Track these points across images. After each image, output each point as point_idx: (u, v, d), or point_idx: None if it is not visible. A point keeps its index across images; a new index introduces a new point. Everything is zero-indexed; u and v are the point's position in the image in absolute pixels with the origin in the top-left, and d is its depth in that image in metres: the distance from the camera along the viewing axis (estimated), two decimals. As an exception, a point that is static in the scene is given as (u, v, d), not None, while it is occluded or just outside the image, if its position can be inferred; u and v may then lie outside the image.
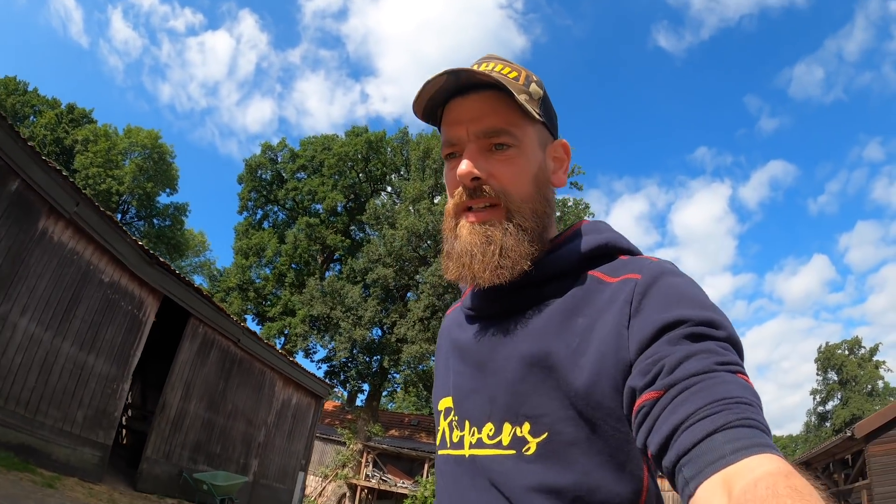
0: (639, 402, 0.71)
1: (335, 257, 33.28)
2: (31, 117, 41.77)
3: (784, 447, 61.00)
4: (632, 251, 0.95)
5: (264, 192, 34.14)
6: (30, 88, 43.18)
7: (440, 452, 0.98)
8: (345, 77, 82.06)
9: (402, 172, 32.93)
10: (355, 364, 27.66)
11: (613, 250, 0.94)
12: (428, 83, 0.91)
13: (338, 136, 35.85)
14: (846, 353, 47.96)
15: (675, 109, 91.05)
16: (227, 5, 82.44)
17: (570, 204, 29.32)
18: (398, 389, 37.89)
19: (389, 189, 34.12)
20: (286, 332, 29.07)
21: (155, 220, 41.35)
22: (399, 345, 26.41)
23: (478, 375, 0.93)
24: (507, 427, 0.85)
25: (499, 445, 0.86)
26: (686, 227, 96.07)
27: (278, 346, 22.08)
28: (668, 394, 0.67)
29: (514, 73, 0.96)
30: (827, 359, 48.37)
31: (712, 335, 0.73)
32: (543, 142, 0.98)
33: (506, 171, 0.92)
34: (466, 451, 0.90)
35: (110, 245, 9.62)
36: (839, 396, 46.90)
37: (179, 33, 78.56)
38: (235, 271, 31.62)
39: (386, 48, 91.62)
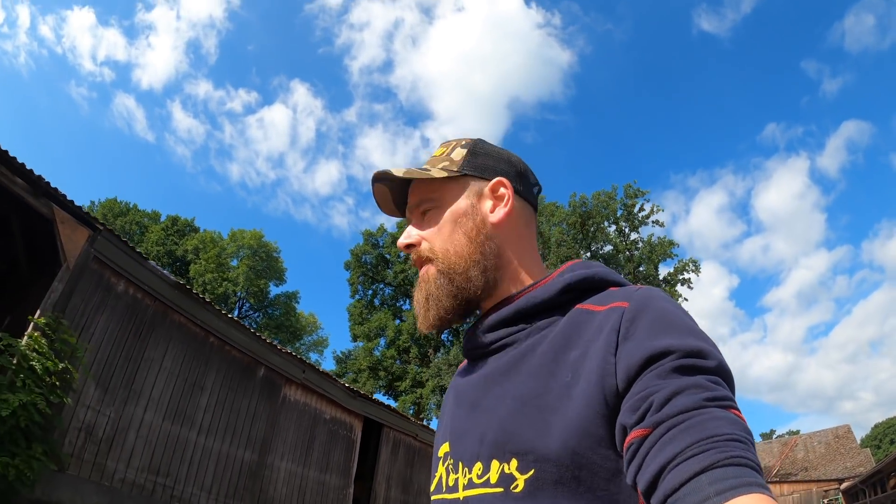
0: (628, 439, 0.69)
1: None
2: (139, 232, 45.99)
3: None
4: (621, 284, 0.95)
5: (370, 274, 37.12)
6: (114, 196, 47.74)
7: (434, 498, 0.96)
8: (402, 126, 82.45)
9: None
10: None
11: (602, 283, 0.94)
12: (375, 194, 1.10)
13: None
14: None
15: (733, 92, 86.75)
16: (278, 79, 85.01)
17: (654, 241, 30.31)
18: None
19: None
20: (418, 402, 31.53)
21: (269, 310, 44.92)
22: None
23: (471, 416, 0.92)
24: (494, 464, 0.82)
25: (487, 484, 0.83)
26: (770, 211, 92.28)
27: (410, 415, 24.52)
28: (656, 431, 0.65)
29: (442, 150, 1.10)
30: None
31: (701, 367, 0.71)
32: (474, 191, 1.04)
33: (429, 230, 1.03)
34: (461, 494, 0.87)
35: (327, 392, 12.41)
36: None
37: (238, 114, 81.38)
38: (363, 354, 34.46)
39: (436, 90, 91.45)
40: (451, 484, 0.91)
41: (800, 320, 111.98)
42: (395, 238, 36.59)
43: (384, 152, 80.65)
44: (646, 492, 0.64)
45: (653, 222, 30.20)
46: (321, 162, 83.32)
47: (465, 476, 0.88)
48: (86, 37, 68.03)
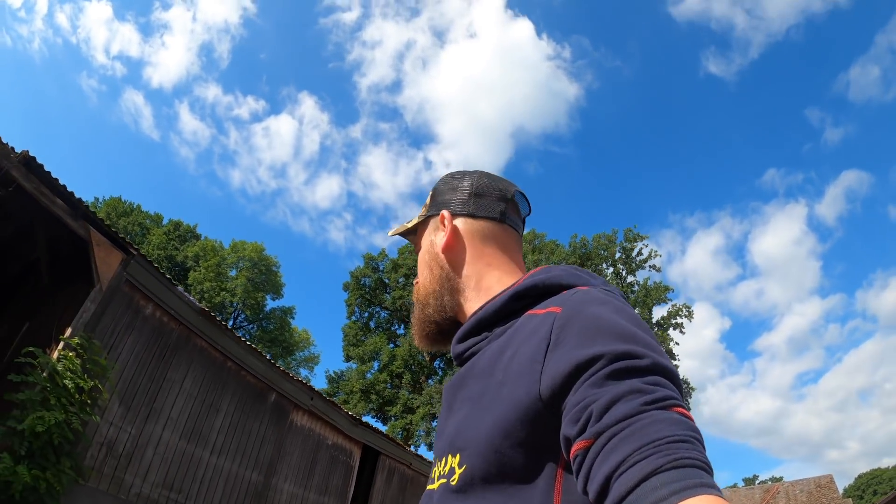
0: (573, 451, 0.69)
1: (444, 356, 36.15)
2: (140, 233, 46.04)
3: (890, 479, 59.13)
4: (575, 286, 0.95)
5: (368, 297, 37.49)
6: (119, 195, 47.99)
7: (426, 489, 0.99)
8: (406, 147, 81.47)
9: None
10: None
11: (553, 288, 0.95)
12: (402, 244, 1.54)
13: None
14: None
15: (736, 135, 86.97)
16: (287, 90, 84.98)
17: (650, 284, 30.75)
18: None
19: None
20: (408, 428, 31.76)
21: (263, 323, 45.13)
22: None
23: (446, 417, 0.98)
24: (448, 459, 0.88)
25: (443, 475, 0.89)
26: (766, 256, 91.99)
27: (401, 442, 24.80)
28: (598, 441, 0.65)
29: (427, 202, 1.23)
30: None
31: (636, 368, 0.70)
32: (431, 228, 1.19)
33: (419, 271, 1.21)
34: (435, 485, 0.92)
35: (331, 419, 12.81)
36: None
37: (244, 120, 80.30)
38: (356, 376, 34.71)
39: (442, 114, 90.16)
40: (433, 477, 0.96)
41: (790, 366, 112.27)
42: (395, 263, 37.00)
43: (386, 171, 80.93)
44: (596, 501, 0.64)
45: (650, 266, 30.78)
46: (323, 176, 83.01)
47: (438, 470, 0.93)
48: (101, 29, 68.12)
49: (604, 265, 31.32)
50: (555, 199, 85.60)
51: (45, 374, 6.92)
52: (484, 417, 0.83)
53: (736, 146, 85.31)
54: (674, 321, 29.80)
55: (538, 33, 79.24)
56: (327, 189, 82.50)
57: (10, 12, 63.39)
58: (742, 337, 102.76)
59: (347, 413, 13.50)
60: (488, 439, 0.80)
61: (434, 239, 1.16)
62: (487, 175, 1.21)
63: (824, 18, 78.16)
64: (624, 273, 31.19)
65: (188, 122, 76.09)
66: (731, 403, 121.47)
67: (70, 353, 7.25)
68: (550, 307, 0.87)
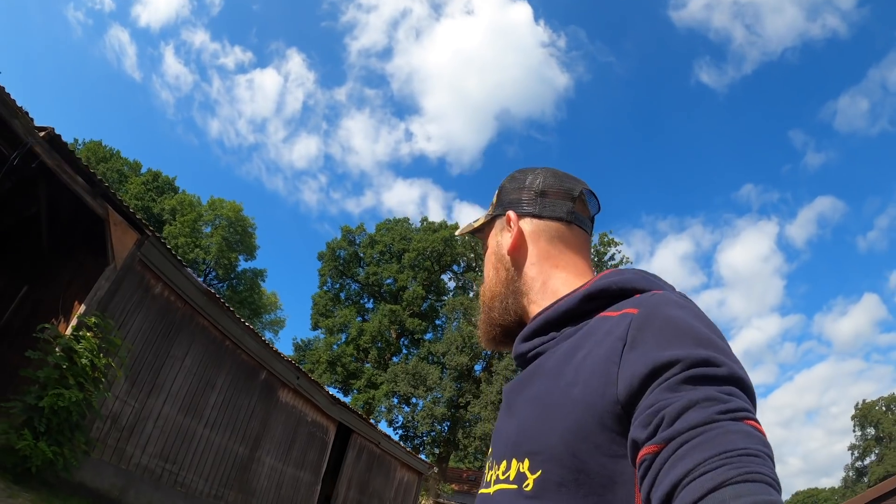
0: (640, 454, 0.67)
1: (411, 336, 36.95)
2: (118, 180, 45.31)
3: (825, 500, 60.69)
4: (649, 290, 0.93)
5: (341, 269, 37.86)
6: (98, 139, 47.34)
7: (479, 492, 0.98)
8: (389, 115, 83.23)
9: (475, 267, 36.36)
10: (433, 433, 31.06)
11: (627, 291, 0.93)
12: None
13: (412, 225, 40.16)
14: (883, 409, 48.69)
15: (719, 146, 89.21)
16: (276, 44, 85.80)
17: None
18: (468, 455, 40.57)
19: (458, 272, 37.68)
20: (370, 403, 32.46)
21: (234, 282, 45.16)
22: (471, 421, 29.65)
23: (506, 419, 0.97)
24: (514, 463, 0.86)
25: (507, 481, 0.86)
26: (732, 268, 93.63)
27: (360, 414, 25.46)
28: (668, 447, 0.64)
29: (494, 200, 1.22)
30: (864, 416, 49.39)
31: (712, 376, 0.69)
32: (497, 229, 1.18)
33: (485, 271, 1.20)
34: (491, 489, 0.91)
35: (312, 397, 13.36)
36: (876, 452, 47.62)
37: (229, 70, 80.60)
38: (324, 347, 35.20)
39: (429, 86, 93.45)
40: (488, 480, 0.94)
41: None
42: (372, 239, 37.31)
43: (366, 138, 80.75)
44: None
45: (624, 270, 31.80)
46: (302, 135, 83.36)
47: (495, 473, 0.91)
48: None
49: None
50: None
51: (59, 352, 7.25)
52: (553, 420, 0.81)
53: (717, 156, 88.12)
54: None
55: (536, 18, 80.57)
56: (305, 149, 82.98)
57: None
58: None
59: (328, 393, 14.05)
60: (564, 443, 0.78)
61: (500, 240, 1.14)
62: (555, 173, 1.18)
63: (821, 45, 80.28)
64: (595, 274, 32.14)
65: (172, 65, 76.19)
66: None
67: (88, 333, 7.59)
68: (625, 309, 0.85)
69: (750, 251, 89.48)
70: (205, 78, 78.87)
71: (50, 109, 73.00)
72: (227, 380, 10.75)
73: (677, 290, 0.96)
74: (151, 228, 8.92)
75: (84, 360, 7.38)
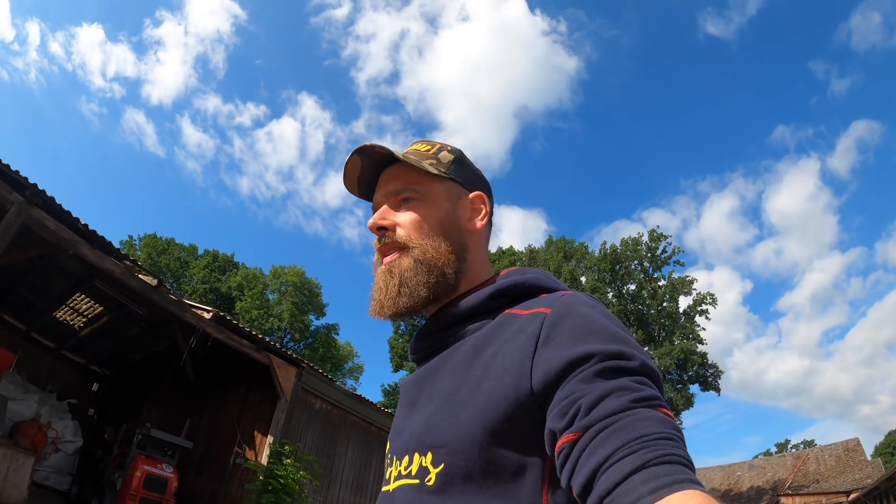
0: (559, 444, 0.71)
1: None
2: (180, 268, 48.53)
3: None
4: (553, 289, 0.98)
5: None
6: (151, 232, 50.23)
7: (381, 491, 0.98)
8: (411, 137, 79.24)
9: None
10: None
11: (533, 289, 0.98)
12: (346, 164, 1.12)
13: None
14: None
15: (742, 95, 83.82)
16: (287, 93, 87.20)
17: (675, 276, 33.28)
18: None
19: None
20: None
21: (310, 341, 47.91)
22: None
23: (407, 414, 0.98)
24: (416, 457, 0.87)
25: (409, 476, 0.87)
26: (782, 214, 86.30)
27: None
28: (586, 435, 0.67)
29: (427, 147, 1.15)
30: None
31: (625, 368, 0.73)
32: (454, 195, 1.10)
33: (408, 218, 1.06)
34: (392, 486, 0.92)
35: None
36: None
37: (247, 127, 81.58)
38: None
39: (444, 101, 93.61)
40: (387, 477, 0.96)
41: (815, 324, 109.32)
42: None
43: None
44: (581, 494, 0.66)
45: (674, 262, 33.58)
46: (330, 174, 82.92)
47: (396, 469, 0.93)
48: (95, 53, 70.20)
49: (632, 265, 34.08)
50: (564, 175, 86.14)
51: (263, 478, 9.50)
52: (461, 414, 0.83)
53: (742, 106, 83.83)
54: (699, 308, 32.48)
55: (531, 9, 78.23)
56: (336, 187, 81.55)
57: (2, 46, 65.64)
58: (765, 298, 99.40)
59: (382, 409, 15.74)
60: (471, 436, 0.80)
61: (458, 211, 1.10)
62: None
63: (820, -34, 76.26)
64: (651, 270, 33.92)
65: (191, 135, 77.92)
66: (758, 366, 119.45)
67: (287, 460, 9.85)
68: (536, 308, 0.89)
69: (796, 193, 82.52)
70: (225, 140, 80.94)
71: (86, 206, 75.96)
72: (377, 457, 13.13)
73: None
74: (305, 361, 11.31)
75: (290, 479, 9.69)
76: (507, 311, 0.95)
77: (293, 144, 79.99)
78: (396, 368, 40.10)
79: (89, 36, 72.85)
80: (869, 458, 31.08)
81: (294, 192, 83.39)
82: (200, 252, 51.31)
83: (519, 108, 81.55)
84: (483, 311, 0.99)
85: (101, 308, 13.09)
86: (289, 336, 47.48)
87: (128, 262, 9.18)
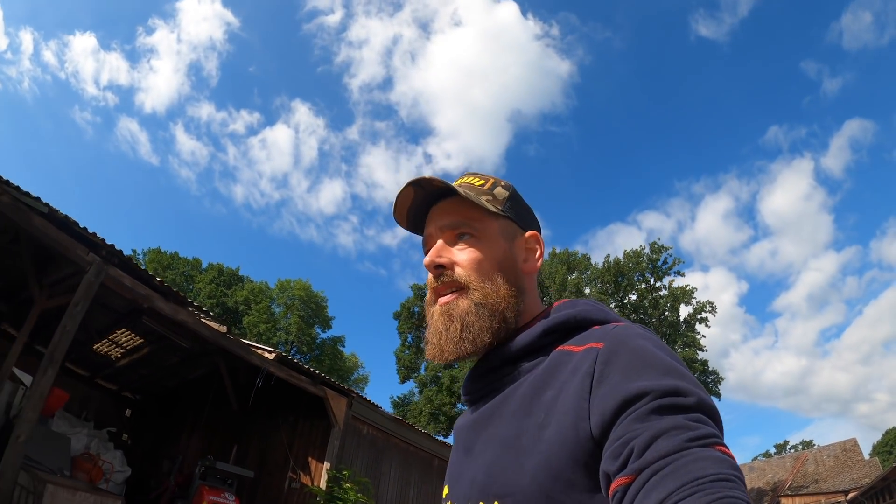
0: (612, 487, 0.68)
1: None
2: (186, 283, 48.83)
3: None
4: (605, 321, 0.96)
5: (417, 323, 41.16)
6: (157, 246, 50.82)
7: None
8: (405, 143, 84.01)
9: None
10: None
11: (585, 322, 0.95)
12: (399, 195, 1.07)
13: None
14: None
15: (734, 96, 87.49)
16: (280, 99, 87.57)
17: (675, 285, 34.45)
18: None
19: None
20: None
21: (317, 352, 48.90)
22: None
23: (465, 460, 0.96)
24: None
25: None
26: (777, 214, 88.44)
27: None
28: (639, 478, 0.65)
29: (481, 182, 1.10)
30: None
31: (680, 405, 0.71)
32: (509, 234, 1.06)
33: (466, 257, 1.01)
34: None
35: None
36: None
37: (241, 135, 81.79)
38: (425, 402, 38.50)
39: (437, 106, 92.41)
40: None
41: (811, 323, 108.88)
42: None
43: (387, 169, 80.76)
44: None
45: (675, 272, 34.88)
46: (325, 181, 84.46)
47: None
48: (88, 61, 70.22)
49: (635, 277, 35.30)
50: (558, 178, 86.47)
51: (321, 501, 10.52)
52: (524, 461, 0.81)
53: (735, 107, 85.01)
54: (699, 317, 33.65)
55: (523, 13, 78.87)
56: (330, 194, 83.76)
57: (-4, 56, 64.97)
58: (761, 299, 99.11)
59: (422, 431, 16.51)
60: (537, 485, 0.79)
61: (515, 251, 1.07)
62: None
63: (810, -34, 77.81)
64: (652, 281, 35.15)
65: (185, 142, 78.10)
66: (755, 367, 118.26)
67: (347, 484, 10.88)
68: (590, 343, 0.87)
69: (790, 193, 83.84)
70: (219, 148, 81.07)
71: (81, 215, 73.40)
72: (416, 475, 14.19)
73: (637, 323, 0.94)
74: (354, 392, 12.30)
75: (350, 501, 10.70)
76: (560, 347, 0.93)
77: (287, 151, 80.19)
78: (403, 380, 41.12)
79: (82, 44, 73.81)
80: (867, 458, 32.12)
81: (288, 200, 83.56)
82: (204, 266, 51.76)
83: (512, 113, 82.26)
84: (536, 349, 0.96)
85: (141, 340, 13.54)
86: (295, 349, 48.33)
87: (197, 312, 10.09)
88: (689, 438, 0.66)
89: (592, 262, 36.69)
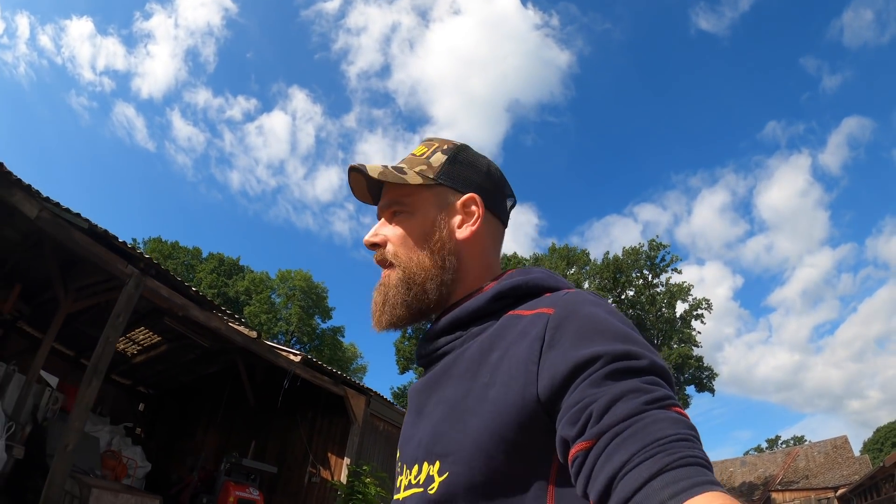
0: (572, 452, 0.68)
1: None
2: (186, 273, 48.57)
3: None
4: (556, 288, 0.95)
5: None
6: (157, 235, 51.06)
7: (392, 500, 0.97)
8: (402, 131, 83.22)
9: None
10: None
11: (536, 289, 0.94)
12: (349, 183, 1.10)
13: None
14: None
15: (733, 90, 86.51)
16: (277, 86, 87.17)
17: (672, 282, 35.12)
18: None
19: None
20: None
21: (317, 342, 49.32)
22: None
23: (415, 422, 0.96)
24: (425, 466, 0.85)
25: (418, 485, 0.86)
26: (773, 209, 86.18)
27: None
28: (600, 442, 0.65)
29: (423, 150, 1.09)
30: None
31: (634, 369, 0.71)
32: (442, 202, 1.04)
33: (394, 234, 1.03)
34: (401, 495, 0.91)
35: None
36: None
37: (237, 121, 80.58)
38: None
39: (435, 94, 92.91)
40: (398, 485, 0.95)
41: (805, 319, 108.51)
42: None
43: (384, 157, 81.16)
44: (598, 503, 0.63)
45: (672, 269, 35.46)
46: (321, 168, 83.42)
47: (406, 478, 0.91)
48: (85, 46, 69.56)
49: (633, 273, 35.92)
50: (556, 169, 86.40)
51: (341, 494, 11.10)
52: (469, 421, 0.81)
53: (734, 101, 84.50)
54: (695, 313, 34.35)
55: (523, 3, 78.24)
56: (327, 181, 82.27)
57: (-8, 40, 64.05)
58: (755, 293, 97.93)
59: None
60: (477, 444, 0.78)
61: (448, 218, 1.04)
62: (496, 165, 1.13)
63: (813, -38, 76.55)
64: (650, 277, 35.85)
65: (181, 128, 77.32)
66: (749, 361, 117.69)
67: (367, 479, 11.42)
68: (539, 308, 0.86)
69: (787, 189, 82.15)
70: (216, 134, 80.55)
71: (77, 201, 74.82)
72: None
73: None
74: (372, 391, 12.84)
75: (371, 495, 11.25)
76: (510, 312, 0.92)
77: (284, 138, 79.99)
78: (403, 370, 41.60)
79: (79, 29, 72.86)
80: (857, 455, 32.81)
81: (284, 187, 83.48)
82: (205, 255, 51.94)
83: (511, 102, 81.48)
84: (486, 314, 0.95)
85: (159, 338, 13.83)
86: (295, 339, 48.70)
87: (227, 318, 10.55)
88: (646, 401, 0.66)
89: (591, 257, 37.34)
